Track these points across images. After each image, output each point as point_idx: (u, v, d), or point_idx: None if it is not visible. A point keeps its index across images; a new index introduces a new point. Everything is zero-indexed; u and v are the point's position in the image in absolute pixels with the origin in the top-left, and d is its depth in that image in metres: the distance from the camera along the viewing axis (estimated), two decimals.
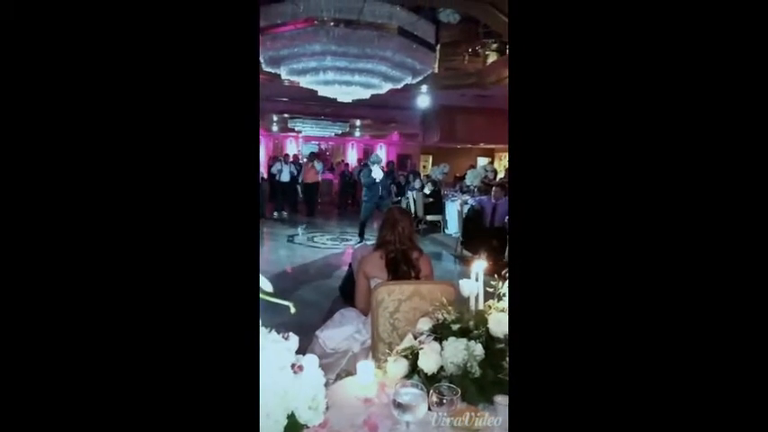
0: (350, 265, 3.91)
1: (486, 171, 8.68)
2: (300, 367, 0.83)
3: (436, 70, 6.69)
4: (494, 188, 6.73)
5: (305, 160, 11.66)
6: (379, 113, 11.63)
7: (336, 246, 7.28)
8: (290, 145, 15.67)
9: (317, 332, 2.23)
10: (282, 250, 6.85)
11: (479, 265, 1.45)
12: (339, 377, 1.87)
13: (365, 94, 5.47)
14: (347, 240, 7.65)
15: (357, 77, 4.93)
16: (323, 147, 16.17)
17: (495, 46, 7.78)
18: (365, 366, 1.35)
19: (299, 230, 8.41)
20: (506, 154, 13.21)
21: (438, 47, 5.89)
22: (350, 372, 1.82)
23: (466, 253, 6.32)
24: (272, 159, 12.13)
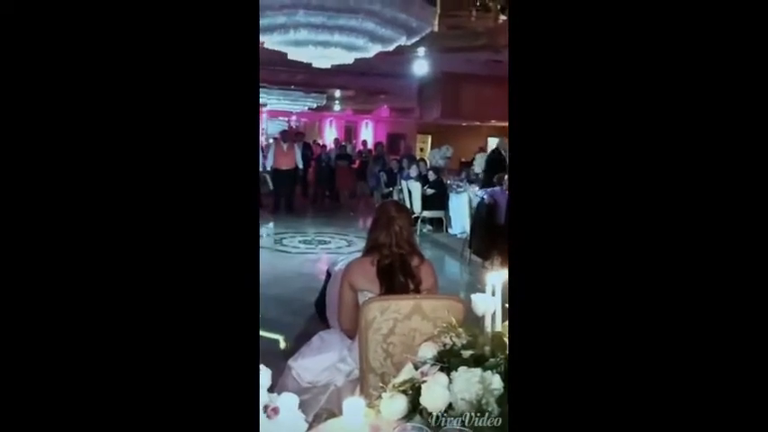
0: (327, 275, 3.90)
1: (503, 152, 8.65)
2: (275, 410, 0.82)
3: (437, 29, 6.70)
4: (506, 177, 6.76)
5: (270, 141, 11.51)
6: (365, 82, 11.62)
7: (311, 250, 7.27)
8: None
9: (290, 361, 2.22)
10: None
11: (497, 276, 1.45)
12: (319, 418, 1.87)
13: (347, 57, 5.45)
14: (325, 243, 7.65)
15: (337, 37, 4.91)
16: (293, 124, 16.10)
17: None
18: (353, 405, 1.35)
19: (264, 232, 8.34)
20: None
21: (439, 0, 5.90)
22: (332, 411, 1.81)
23: (475, 258, 6.35)
24: None
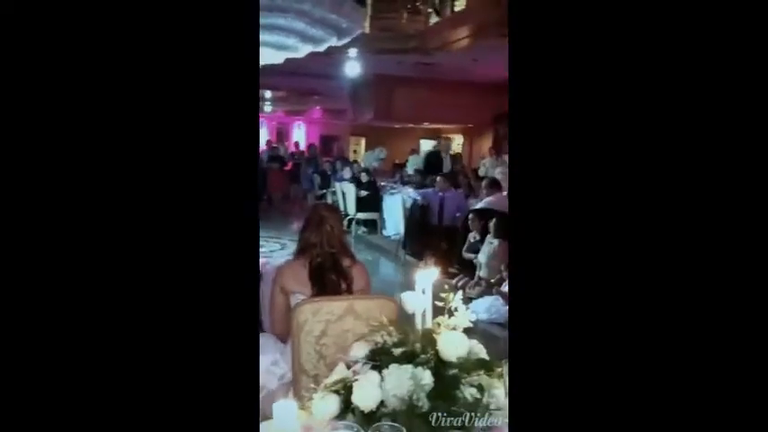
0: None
1: (442, 154, 8.76)
2: None
3: (368, 30, 6.74)
4: (438, 179, 6.89)
5: None
6: (297, 83, 11.51)
7: None
8: None
9: None
10: None
11: (427, 274, 1.49)
12: None
13: (277, 57, 5.39)
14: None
15: (266, 36, 4.85)
16: None
17: (438, 2, 7.96)
18: (284, 407, 1.34)
19: None
20: (457, 135, 13.54)
21: (370, 1, 5.94)
22: (265, 414, 1.79)
23: (410, 259, 6.43)
24: None
